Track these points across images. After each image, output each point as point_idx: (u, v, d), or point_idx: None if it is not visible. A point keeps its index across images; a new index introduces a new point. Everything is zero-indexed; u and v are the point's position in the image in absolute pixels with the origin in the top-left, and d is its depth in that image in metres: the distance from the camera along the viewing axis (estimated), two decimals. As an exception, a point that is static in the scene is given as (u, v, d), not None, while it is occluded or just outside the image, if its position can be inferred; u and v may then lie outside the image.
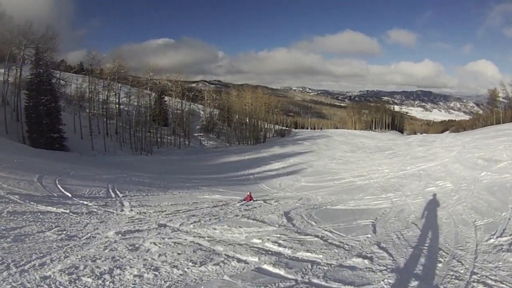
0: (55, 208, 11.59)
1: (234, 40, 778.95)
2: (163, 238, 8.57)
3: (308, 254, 7.61)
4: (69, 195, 14.81)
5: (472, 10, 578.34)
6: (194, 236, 8.91)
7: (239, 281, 5.96)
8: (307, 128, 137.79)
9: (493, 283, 6.21)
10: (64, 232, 8.82)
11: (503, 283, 6.19)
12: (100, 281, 5.74)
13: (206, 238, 8.81)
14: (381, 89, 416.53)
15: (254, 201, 18.03)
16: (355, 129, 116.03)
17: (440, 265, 7.15)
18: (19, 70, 49.59)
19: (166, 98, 77.67)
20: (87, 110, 59.11)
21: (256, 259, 7.15)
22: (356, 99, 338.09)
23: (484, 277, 6.51)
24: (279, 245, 8.22)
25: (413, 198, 17.16)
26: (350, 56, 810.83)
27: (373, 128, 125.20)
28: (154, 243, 8.04)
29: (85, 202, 13.53)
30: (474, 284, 6.20)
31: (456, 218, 11.70)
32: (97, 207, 12.84)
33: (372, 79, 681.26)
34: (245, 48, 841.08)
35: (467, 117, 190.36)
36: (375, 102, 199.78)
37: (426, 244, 8.76)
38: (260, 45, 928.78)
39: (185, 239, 8.56)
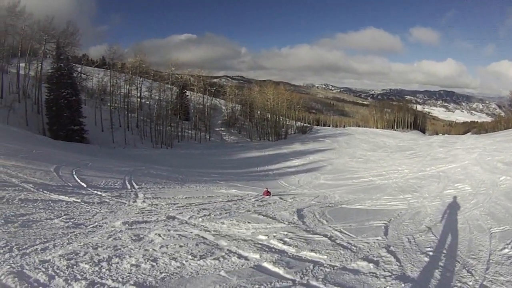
0: (67, 197, 11.58)
1: (257, 36, 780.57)
2: (169, 230, 8.51)
3: (312, 254, 7.39)
4: (84, 185, 14.88)
5: (496, 10, 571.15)
6: (200, 230, 8.77)
7: (235, 277, 5.83)
8: (329, 126, 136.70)
9: None
10: (72, 220, 8.82)
11: None
12: (96, 268, 5.75)
13: (212, 232, 8.67)
14: (403, 87, 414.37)
15: (270, 196, 18.13)
16: (377, 128, 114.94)
17: (448, 274, 6.82)
18: (40, 64, 50.40)
19: (188, 93, 78.11)
20: (108, 104, 59.70)
21: (257, 256, 6.94)
22: (378, 98, 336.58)
23: None
24: (284, 243, 8.01)
25: (431, 200, 16.83)
26: (372, 53, 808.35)
27: (395, 127, 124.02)
28: (159, 235, 7.99)
29: (99, 193, 13.56)
30: None
31: (472, 224, 11.32)
32: (110, 197, 12.88)
33: (394, 77, 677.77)
34: (267, 45, 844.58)
35: (489, 119, 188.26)
36: (398, 101, 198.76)
37: (438, 251, 8.40)
38: (282, 42, 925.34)
39: (191, 232, 8.47)
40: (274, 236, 8.58)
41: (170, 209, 11.58)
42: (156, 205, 12.30)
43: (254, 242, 7.95)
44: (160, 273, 5.82)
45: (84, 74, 60.59)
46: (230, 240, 7.99)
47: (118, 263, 6.07)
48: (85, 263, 5.88)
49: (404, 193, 19.69)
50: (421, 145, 52.89)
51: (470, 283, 6.42)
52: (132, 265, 6.04)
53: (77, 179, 15.96)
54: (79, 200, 11.40)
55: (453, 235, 9.95)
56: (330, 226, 10.30)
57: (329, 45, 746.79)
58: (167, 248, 7.10)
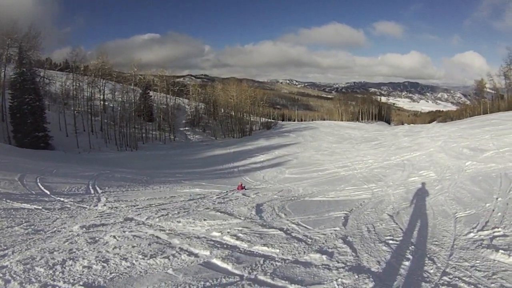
0: (29, 205, 11.54)
1: (220, 33, 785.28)
2: (124, 232, 8.45)
3: (265, 248, 7.23)
4: (48, 192, 14.80)
5: (460, 2, 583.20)
6: (155, 230, 8.70)
7: (181, 274, 5.77)
8: (294, 120, 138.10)
9: (466, 286, 5.51)
10: (32, 226, 8.83)
11: (477, 287, 5.48)
12: (51, 271, 5.84)
13: (167, 231, 8.58)
14: (368, 80, 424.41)
15: (245, 189, 19.53)
16: (342, 121, 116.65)
17: (407, 263, 6.49)
18: (3, 70, 49.05)
19: (151, 93, 78.29)
20: (72, 108, 59.08)
21: (208, 253, 6.87)
22: (343, 91, 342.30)
23: (457, 278, 5.79)
24: (237, 238, 7.87)
25: (395, 188, 16.74)
26: (336, 48, 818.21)
27: (360, 120, 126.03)
28: (114, 236, 7.95)
29: (62, 199, 13.48)
30: (443, 287, 5.59)
31: (436, 209, 11.12)
32: (72, 203, 12.76)
33: (358, 70, 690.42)
34: (231, 42, 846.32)
35: (454, 108, 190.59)
36: (362, 93, 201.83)
37: (398, 239, 8.13)
38: (246, 39, 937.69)
39: (146, 232, 8.43)
40: (228, 232, 8.44)
41: (129, 211, 11.49)
42: (116, 207, 12.20)
43: (207, 239, 7.85)
44: (110, 273, 5.86)
45: (47, 78, 59.99)
46: (184, 238, 7.91)
47: (71, 265, 6.14)
48: (40, 267, 5.98)
49: (368, 183, 19.59)
50: (386, 135, 53.23)
51: (431, 271, 6.12)
52: (84, 266, 6.11)
53: (41, 186, 15.90)
54: (40, 207, 11.36)
55: (416, 222, 9.78)
56: (287, 220, 10.10)
57: (293, 41, 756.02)
58: (119, 249, 7.11)
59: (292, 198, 14.90)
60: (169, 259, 6.52)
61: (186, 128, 79.34)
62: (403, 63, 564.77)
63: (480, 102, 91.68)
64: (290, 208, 12.10)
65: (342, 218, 10.23)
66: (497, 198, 11.66)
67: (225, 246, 7.41)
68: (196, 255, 6.80)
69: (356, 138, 55.03)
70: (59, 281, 5.45)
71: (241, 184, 21.22)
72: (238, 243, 7.61)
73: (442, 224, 9.43)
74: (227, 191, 17.96)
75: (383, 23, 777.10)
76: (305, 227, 9.22)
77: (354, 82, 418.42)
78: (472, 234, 8.25)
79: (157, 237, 8.05)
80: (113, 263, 6.27)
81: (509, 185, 13.33)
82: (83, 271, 5.89)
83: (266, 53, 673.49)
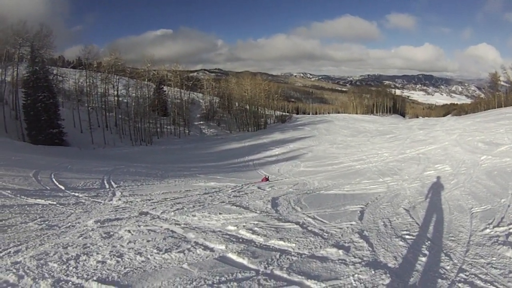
0: (43, 201, 11.50)
1: (233, 28, 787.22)
2: (139, 226, 8.40)
3: (281, 242, 7.15)
4: (62, 187, 14.67)
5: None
6: (170, 224, 8.65)
7: (196, 269, 5.71)
8: (309, 114, 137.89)
9: (482, 284, 5.43)
10: (46, 222, 8.76)
11: (494, 284, 5.40)
12: (64, 266, 5.80)
13: (182, 225, 8.52)
14: (382, 73, 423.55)
15: (269, 181, 20.31)
16: (357, 114, 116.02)
17: (424, 259, 6.39)
18: (15, 69, 49.93)
19: (165, 88, 78.44)
20: (86, 104, 59.23)
21: (223, 247, 6.77)
22: (357, 84, 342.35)
23: (473, 276, 5.70)
24: (253, 232, 7.81)
25: (410, 182, 16.58)
26: (349, 41, 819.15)
27: (375, 112, 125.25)
28: (128, 231, 7.91)
29: (76, 194, 13.36)
30: (459, 285, 5.41)
31: (452, 204, 11.00)
32: (86, 198, 12.68)
33: (372, 63, 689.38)
34: (244, 36, 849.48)
35: (469, 101, 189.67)
36: (376, 86, 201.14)
37: (414, 234, 8.03)
38: (258, 32, 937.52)
39: (161, 227, 8.37)
40: (243, 226, 8.37)
41: (144, 205, 11.38)
42: (131, 202, 12.11)
43: (222, 233, 7.78)
44: (124, 268, 5.82)
45: (60, 76, 60.18)
46: (199, 232, 7.84)
47: (85, 260, 6.08)
48: (54, 262, 5.94)
49: (384, 176, 19.42)
50: (401, 129, 53.09)
51: (448, 267, 6.04)
52: (98, 261, 6.06)
53: (55, 182, 15.80)
54: (54, 203, 11.29)
55: (432, 217, 9.67)
56: (303, 213, 10.03)
57: (305, 34, 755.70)
58: (134, 243, 7.06)
59: (308, 192, 14.79)
60: (184, 254, 6.46)
61: (201, 122, 79.49)
62: (416, 56, 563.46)
63: (495, 95, 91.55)
64: (306, 201, 12.01)
65: (358, 212, 10.14)
66: None
67: (240, 240, 7.37)
68: (211, 250, 6.74)
69: (370, 131, 54.93)
70: (73, 276, 5.43)
71: (266, 177, 21.73)
72: (254, 237, 7.54)
73: (458, 219, 9.32)
74: (242, 185, 17.84)
75: (396, 15, 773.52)
76: (321, 221, 9.15)
77: (368, 75, 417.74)
78: (488, 230, 8.16)
79: (172, 231, 7.99)
80: (128, 258, 6.25)
81: None
82: (97, 266, 5.85)
83: (279, 46, 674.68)
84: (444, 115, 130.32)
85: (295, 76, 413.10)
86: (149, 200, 12.54)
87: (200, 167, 30.44)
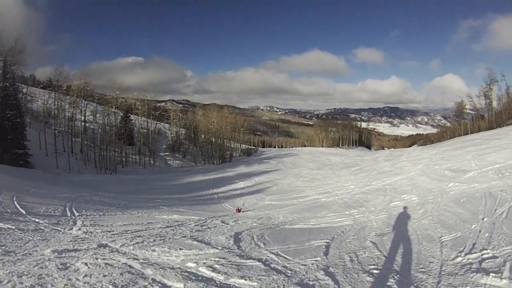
0: (2, 224, 11.39)
1: (203, 60, 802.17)
2: (97, 259, 8.06)
3: (242, 281, 6.87)
4: (23, 212, 14.66)
5: (439, 27, 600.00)
6: (129, 258, 8.30)
7: None
8: (275, 147, 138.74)
9: None
10: (3, 247, 8.64)
11: None
12: None
13: (141, 260, 8.18)
14: (348, 106, 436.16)
15: (242, 212, 21.77)
16: (323, 147, 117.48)
17: None
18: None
19: (132, 117, 78.52)
20: (53, 127, 58.52)
21: (181, 286, 6.52)
22: (323, 117, 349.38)
23: None
24: (214, 270, 7.51)
25: (377, 214, 16.44)
26: (317, 75, 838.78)
27: (341, 145, 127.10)
28: (85, 263, 7.58)
29: (37, 220, 13.27)
30: None
31: (420, 234, 10.81)
32: (47, 224, 12.56)
33: (339, 97, 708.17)
34: (213, 68, 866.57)
35: (435, 131, 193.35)
36: (342, 119, 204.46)
37: (383, 268, 7.81)
38: (228, 65, 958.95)
39: (119, 261, 8.02)
40: (204, 263, 8.07)
41: (104, 236, 11.14)
42: (91, 232, 11.83)
43: (182, 270, 7.47)
44: None
45: (29, 95, 59.61)
46: (157, 268, 7.53)
47: None
48: None
49: (350, 209, 19.25)
50: (366, 161, 53.46)
51: None
52: None
53: (17, 205, 15.79)
54: (13, 227, 11.16)
55: (400, 249, 9.48)
56: (267, 249, 9.76)
57: (274, 68, 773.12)
58: (90, 277, 6.76)
59: (272, 226, 14.66)
60: None
61: (167, 153, 79.54)
62: (383, 89, 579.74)
63: (461, 123, 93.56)
64: (270, 237, 11.82)
65: (324, 247, 9.93)
66: (483, 219, 11.49)
67: (200, 278, 7.07)
68: None
69: (336, 164, 55.28)
70: (24, 307, 5.14)
71: (238, 208, 22.64)
72: (214, 275, 7.27)
73: (427, 249, 9.16)
74: (205, 218, 17.62)
75: (363, 50, 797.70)
76: (285, 257, 8.92)
77: (335, 109, 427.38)
78: (460, 258, 8.01)
79: (130, 266, 7.68)
80: None
81: (495, 204, 13.15)
82: (50, 299, 5.57)
83: (248, 79, 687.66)
84: (410, 146, 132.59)
85: (262, 109, 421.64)
86: (110, 231, 12.27)
87: (164, 198, 30.11)
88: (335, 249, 9.61)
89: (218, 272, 7.34)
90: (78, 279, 6.57)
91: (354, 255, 8.94)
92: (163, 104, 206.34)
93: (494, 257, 7.65)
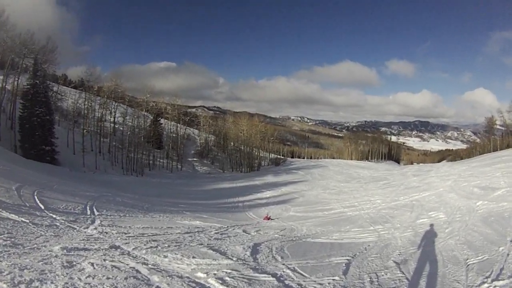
0: (17, 216, 11.47)
1: (235, 67, 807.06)
2: (105, 260, 7.86)
3: None
4: (42, 207, 14.71)
5: (471, 39, 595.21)
6: (138, 262, 8.12)
7: None
8: (304, 158, 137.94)
9: None
10: (12, 239, 8.65)
11: None
12: None
13: (150, 265, 7.97)
14: (378, 119, 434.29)
15: (270, 219, 22.29)
16: (352, 159, 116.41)
17: None
18: (17, 79, 49.75)
19: (162, 121, 78.49)
20: (82, 127, 58.92)
21: None
22: (353, 130, 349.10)
23: None
24: (223, 282, 7.14)
25: (402, 231, 15.96)
26: (348, 86, 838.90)
27: (370, 159, 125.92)
28: (92, 264, 7.37)
29: (54, 216, 13.27)
30: None
31: (445, 255, 10.32)
32: (63, 221, 12.52)
33: (370, 109, 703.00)
34: (245, 76, 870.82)
35: (464, 146, 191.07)
36: (372, 132, 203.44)
37: None
38: (260, 74, 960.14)
39: (127, 264, 7.80)
40: (214, 274, 7.71)
41: (119, 238, 11.02)
42: (106, 233, 11.73)
43: (189, 280, 7.16)
44: None
45: (59, 94, 60.82)
46: (165, 276, 7.25)
47: (36, 287, 5.73)
48: (4, 283, 5.66)
49: (375, 224, 18.84)
50: (395, 175, 52.69)
51: None
52: None
53: (36, 200, 15.84)
54: (27, 221, 11.17)
55: (424, 271, 8.99)
56: (284, 264, 9.33)
57: (306, 78, 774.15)
58: (93, 278, 6.54)
59: (294, 239, 14.30)
60: None
61: (195, 159, 79.22)
62: (414, 102, 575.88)
63: (490, 139, 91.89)
64: (289, 250, 11.41)
65: (344, 265, 9.48)
66: (511, 241, 11.05)
67: None
68: None
69: (364, 177, 54.56)
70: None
71: (268, 215, 23.12)
72: None
73: (452, 272, 8.68)
74: (227, 226, 17.36)
75: (395, 62, 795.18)
76: (301, 273, 8.46)
77: (365, 121, 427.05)
78: (486, 285, 7.49)
79: (137, 270, 7.44)
80: None
81: None
82: (46, 296, 5.49)
83: (280, 89, 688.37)
84: (439, 161, 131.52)
85: (293, 119, 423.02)
86: (126, 233, 12.10)
87: (188, 204, 29.86)
88: (356, 268, 9.20)
89: (227, 286, 7.02)
90: (80, 279, 6.38)
91: (374, 275, 8.52)
92: (193, 110, 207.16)
93: (523, 285, 7.02)
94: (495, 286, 7.35)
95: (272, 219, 21.83)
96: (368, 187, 40.99)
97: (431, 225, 16.15)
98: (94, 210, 16.70)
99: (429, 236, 13.60)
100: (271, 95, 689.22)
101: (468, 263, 9.36)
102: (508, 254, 9.55)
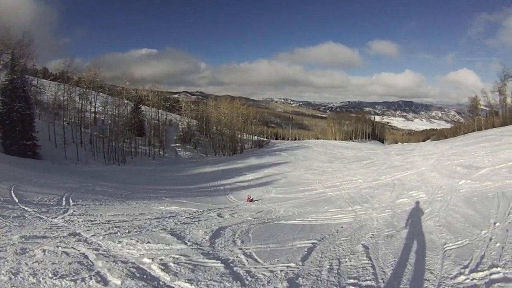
0: None
1: (217, 51, 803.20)
2: (58, 247, 7.98)
3: (187, 285, 6.17)
4: (16, 200, 15.07)
5: (454, 20, 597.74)
6: (89, 248, 8.09)
7: None
8: (288, 139, 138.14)
9: None
10: None
11: None
12: None
13: (101, 251, 7.95)
14: (362, 100, 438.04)
15: (252, 201, 22.89)
16: (336, 140, 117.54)
17: None
18: (-4, 76, 48.90)
19: (143, 108, 78.07)
20: (63, 118, 58.51)
21: (119, 282, 6.13)
22: (337, 110, 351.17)
23: None
24: (165, 268, 6.96)
25: (380, 211, 15.55)
26: (331, 67, 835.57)
27: (354, 139, 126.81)
28: (44, 250, 7.58)
29: (26, 208, 13.57)
30: None
31: (422, 239, 9.58)
32: (33, 213, 12.79)
33: (353, 90, 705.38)
34: (227, 60, 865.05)
35: (448, 126, 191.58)
36: (356, 113, 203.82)
37: (362, 283, 6.56)
38: (242, 57, 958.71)
39: (78, 250, 7.83)
40: (160, 259, 7.52)
41: (82, 226, 11.03)
42: (72, 221, 11.81)
43: (132, 265, 7.08)
44: (11, 286, 5.69)
45: (38, 87, 59.79)
46: (109, 261, 7.19)
47: None
48: None
49: (354, 205, 18.55)
50: (378, 154, 53.06)
51: None
52: None
53: (12, 194, 16.24)
54: None
55: (394, 257, 8.14)
56: (241, 248, 8.82)
57: (288, 60, 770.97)
58: (39, 264, 6.76)
59: (266, 221, 13.97)
60: (75, 283, 5.98)
61: (177, 145, 79.01)
62: (397, 82, 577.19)
63: (474, 119, 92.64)
64: (254, 233, 10.94)
65: (306, 249, 8.84)
66: (494, 223, 10.22)
67: (144, 277, 6.56)
68: (105, 283, 6.14)
69: (348, 157, 55.11)
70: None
71: (250, 197, 23.69)
72: (162, 274, 6.73)
73: (427, 260, 7.82)
74: (203, 210, 17.38)
75: (378, 42, 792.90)
76: (255, 259, 7.95)
77: (349, 102, 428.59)
78: (462, 277, 6.60)
79: (85, 256, 7.46)
80: (21, 277, 6.04)
81: (508, 207, 11.89)
82: (-12, 280, 5.63)
83: (262, 71, 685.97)
84: (423, 141, 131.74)
85: (276, 101, 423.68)
86: (92, 221, 12.08)
87: (169, 189, 30.03)
88: (318, 253, 8.55)
89: (168, 272, 6.83)
90: (26, 264, 6.65)
91: (336, 262, 7.80)
92: (176, 95, 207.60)
93: (506, 279, 6.22)
94: (472, 278, 6.49)
95: (255, 201, 22.27)
96: (351, 167, 41.42)
97: (411, 205, 15.84)
98: (70, 200, 16.88)
99: (407, 217, 13.03)
100: (253, 78, 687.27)
101: (446, 249, 8.54)
102: (490, 239, 8.72)
